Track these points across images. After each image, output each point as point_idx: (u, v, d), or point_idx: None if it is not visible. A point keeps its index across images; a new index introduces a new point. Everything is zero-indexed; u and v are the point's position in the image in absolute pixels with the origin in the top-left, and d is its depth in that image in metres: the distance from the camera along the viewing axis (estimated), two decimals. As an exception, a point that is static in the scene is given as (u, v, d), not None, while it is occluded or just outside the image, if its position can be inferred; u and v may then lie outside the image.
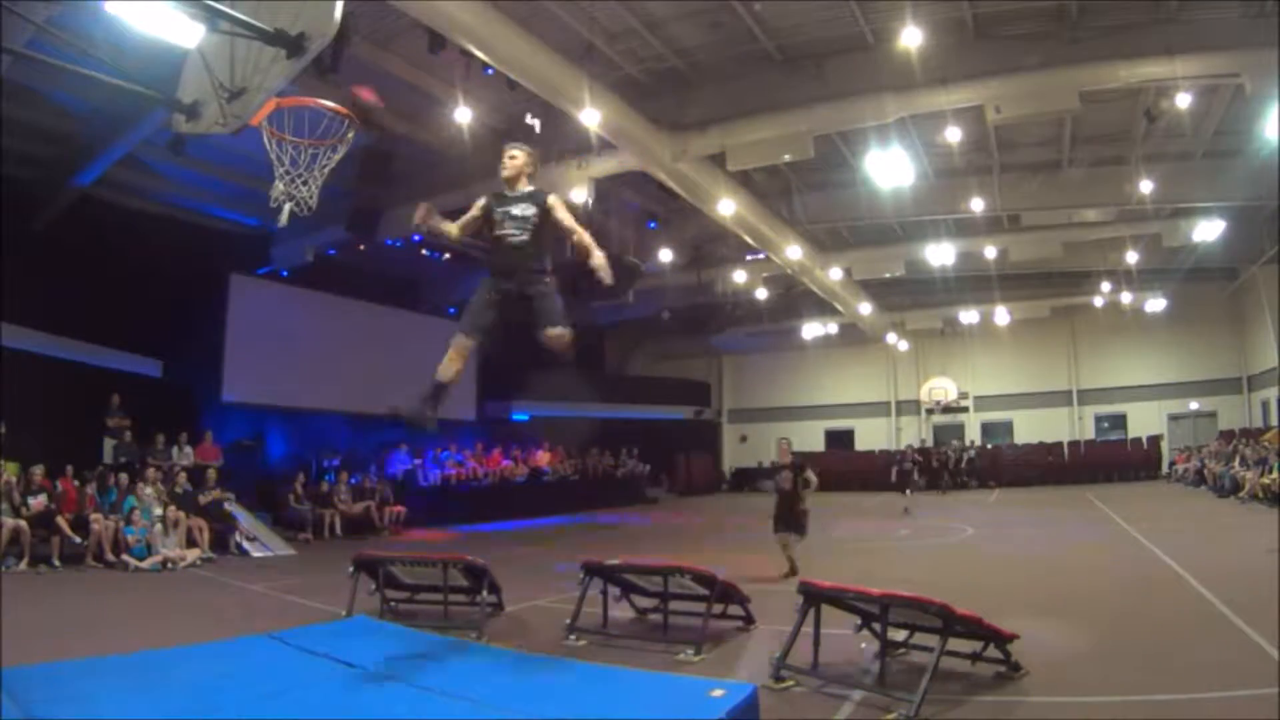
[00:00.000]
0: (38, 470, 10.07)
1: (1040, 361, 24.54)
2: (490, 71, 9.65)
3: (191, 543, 10.58)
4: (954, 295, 21.79)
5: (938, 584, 6.71)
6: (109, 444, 12.39)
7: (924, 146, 13.58)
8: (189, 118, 5.76)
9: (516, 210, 4.48)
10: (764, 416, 27.90)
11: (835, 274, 19.00)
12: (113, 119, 10.82)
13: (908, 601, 4.47)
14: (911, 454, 18.21)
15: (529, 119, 10.67)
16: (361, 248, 15.79)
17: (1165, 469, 21.91)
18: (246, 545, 11.45)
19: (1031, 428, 24.34)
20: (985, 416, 25.53)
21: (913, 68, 9.94)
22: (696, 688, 4.05)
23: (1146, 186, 13.33)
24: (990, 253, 17.59)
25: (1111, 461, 22.56)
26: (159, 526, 10.31)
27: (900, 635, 5.01)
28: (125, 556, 9.81)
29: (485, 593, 6.31)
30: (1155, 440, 22.67)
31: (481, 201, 4.62)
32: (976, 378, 25.34)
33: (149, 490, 10.72)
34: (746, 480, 26.64)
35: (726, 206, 13.60)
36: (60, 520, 9.81)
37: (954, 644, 4.40)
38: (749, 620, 6.08)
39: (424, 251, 17.32)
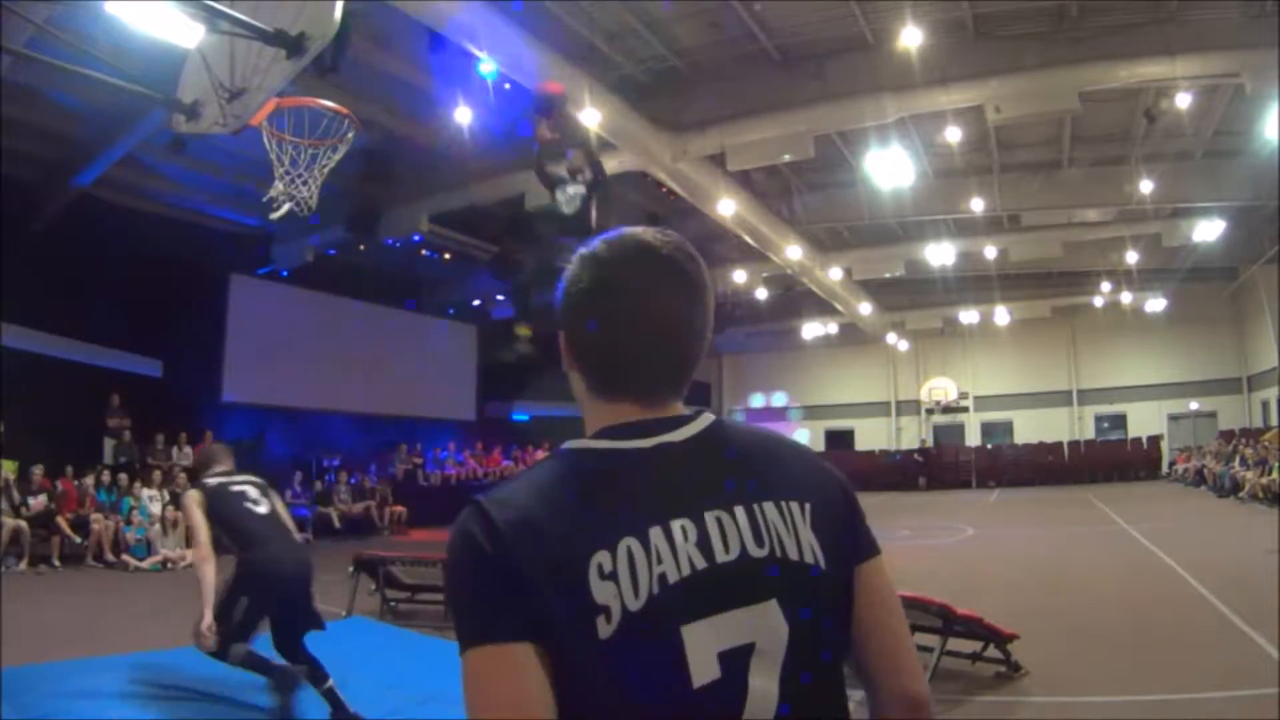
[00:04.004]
0: (38, 470, 10.08)
1: (1040, 361, 24.54)
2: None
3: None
4: (954, 295, 21.79)
5: (938, 584, 6.71)
6: (109, 444, 12.39)
7: (924, 146, 13.57)
8: (189, 118, 5.75)
9: None
10: (764, 417, 27.89)
11: (835, 274, 18.99)
12: (113, 119, 10.81)
13: (908, 601, 4.47)
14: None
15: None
16: (361, 248, 15.80)
17: (1165, 469, 21.92)
18: (246, 545, 11.45)
19: (1031, 428, 24.35)
20: (985, 416, 25.53)
21: (913, 68, 9.94)
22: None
23: (1146, 186, 13.33)
24: (990, 253, 17.58)
25: (1111, 461, 22.57)
26: (158, 526, 10.32)
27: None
28: (125, 556, 9.82)
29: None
30: (1155, 440, 22.67)
31: None
32: (976, 378, 25.35)
33: (149, 490, 10.73)
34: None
35: (726, 206, 13.60)
36: (60, 520, 9.81)
37: (954, 644, 4.40)
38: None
39: (424, 252, 17.33)
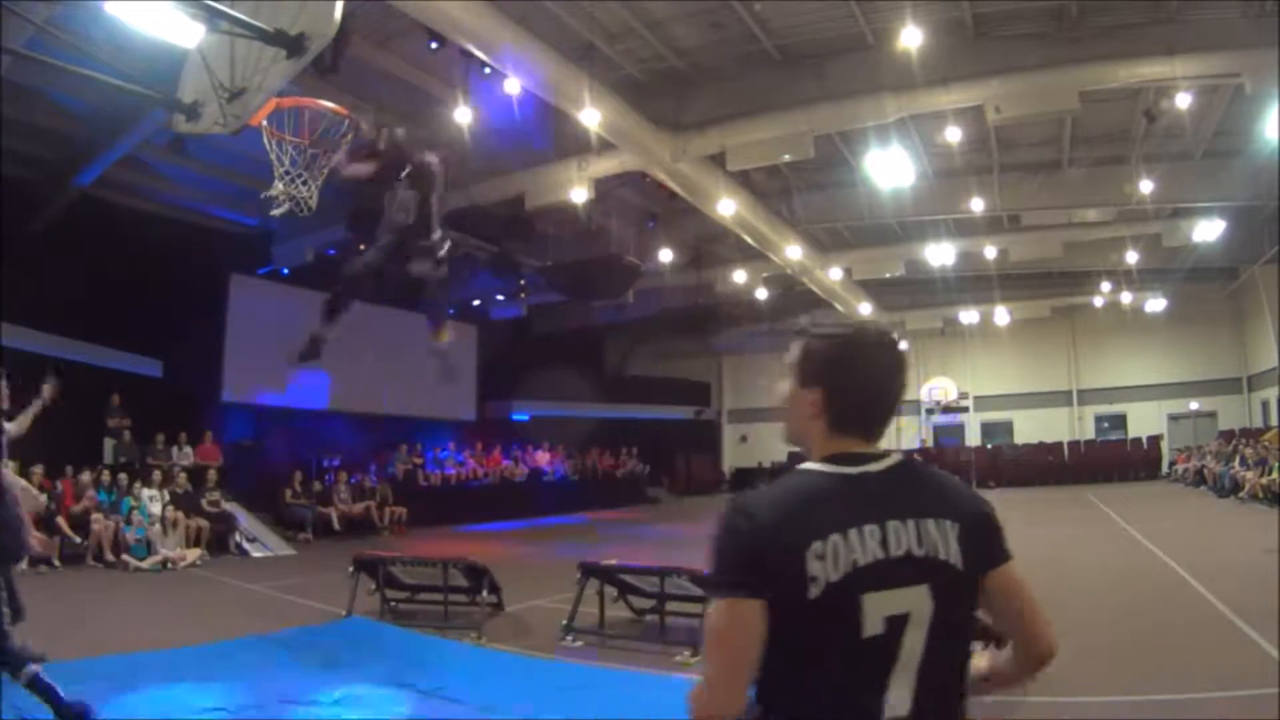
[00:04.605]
0: (37, 470, 10.07)
1: (1040, 361, 24.52)
2: (488, 70, 9.65)
3: (193, 543, 10.60)
4: (954, 295, 21.76)
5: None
6: (109, 444, 12.39)
7: (924, 146, 13.56)
8: (189, 118, 5.76)
9: None
10: (764, 416, 27.86)
11: (835, 274, 18.98)
12: (113, 119, 10.81)
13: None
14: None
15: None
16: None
17: (1165, 469, 21.91)
18: (246, 545, 11.46)
19: (1031, 428, 24.34)
20: (985, 416, 25.52)
21: (913, 68, 9.93)
22: (696, 688, 4.04)
23: (1146, 186, 13.31)
24: (990, 253, 17.57)
25: (1111, 461, 22.55)
26: (159, 526, 10.32)
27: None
28: (125, 556, 9.82)
29: (485, 593, 6.32)
30: (1155, 440, 22.66)
31: None
32: (976, 378, 25.33)
33: (149, 490, 10.73)
34: (746, 480, 26.67)
35: (726, 206, 13.59)
36: (60, 520, 9.81)
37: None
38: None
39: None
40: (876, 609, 1.22)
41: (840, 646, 1.23)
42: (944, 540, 1.28)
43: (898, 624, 1.24)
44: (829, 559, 1.21)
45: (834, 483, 1.30)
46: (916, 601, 1.25)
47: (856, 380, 1.36)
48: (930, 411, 25.77)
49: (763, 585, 1.21)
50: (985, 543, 1.33)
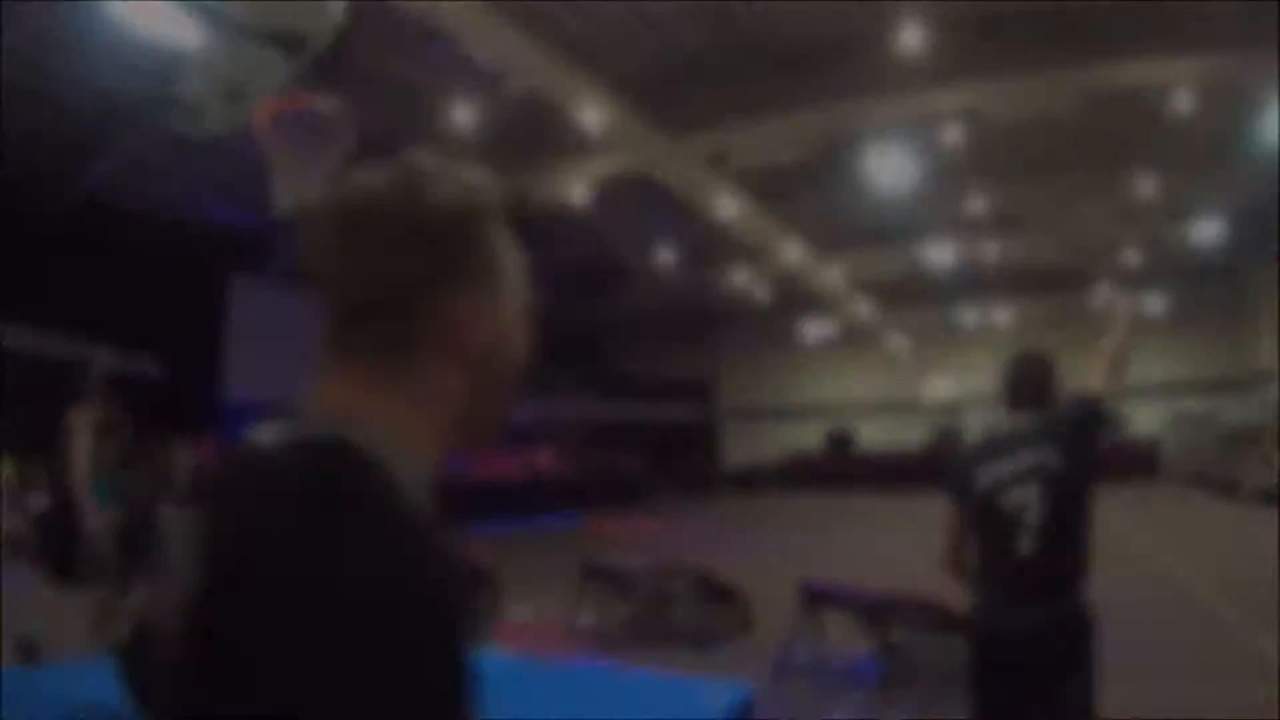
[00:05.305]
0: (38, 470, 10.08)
1: (1040, 361, 24.49)
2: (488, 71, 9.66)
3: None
4: (954, 295, 21.77)
5: (938, 584, 6.70)
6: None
7: (924, 146, 13.55)
8: (189, 118, 5.76)
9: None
10: (764, 416, 27.88)
11: (835, 274, 18.99)
12: (113, 119, 10.82)
13: (908, 601, 4.47)
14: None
15: None
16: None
17: (1165, 469, 21.88)
18: (246, 545, 11.46)
19: (1032, 427, 24.24)
20: (986, 416, 25.48)
21: (913, 68, 9.94)
22: (694, 688, 4.05)
23: (1146, 186, 13.31)
24: (990, 253, 17.58)
25: (1111, 461, 22.45)
26: (159, 526, 10.32)
27: (900, 635, 5.01)
28: (125, 556, 9.82)
29: (485, 593, 6.31)
30: (1155, 440, 22.64)
31: None
32: (977, 378, 25.31)
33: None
34: (746, 480, 26.66)
35: (726, 206, 13.60)
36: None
37: (956, 645, 4.39)
38: (747, 620, 6.08)
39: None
40: (1010, 500, 2.19)
41: (993, 520, 2.22)
42: (1047, 456, 2.21)
43: (1025, 503, 2.19)
44: (983, 476, 2.24)
45: (992, 436, 2.40)
46: (1034, 488, 2.18)
47: (1006, 384, 2.39)
48: (930, 411, 25.77)
49: (955, 491, 2.32)
50: (1081, 450, 2.26)
